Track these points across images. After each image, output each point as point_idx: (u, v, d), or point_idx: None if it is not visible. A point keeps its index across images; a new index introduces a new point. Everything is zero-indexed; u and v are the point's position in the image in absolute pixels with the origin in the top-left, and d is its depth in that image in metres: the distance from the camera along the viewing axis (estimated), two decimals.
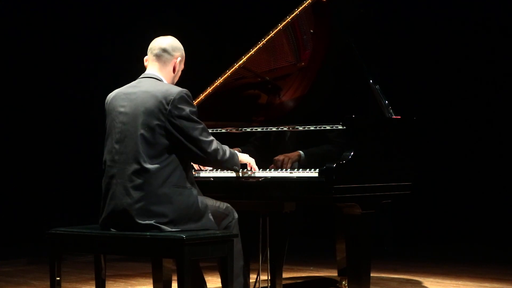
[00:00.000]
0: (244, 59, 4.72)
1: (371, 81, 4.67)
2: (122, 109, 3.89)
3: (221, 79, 4.76)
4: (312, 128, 4.46)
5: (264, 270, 4.69)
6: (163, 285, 4.64)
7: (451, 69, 8.02)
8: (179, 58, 4.05)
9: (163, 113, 3.80)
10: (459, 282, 5.88)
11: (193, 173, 4.32)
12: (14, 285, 5.97)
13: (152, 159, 3.78)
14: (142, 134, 3.80)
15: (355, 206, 4.19)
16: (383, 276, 6.10)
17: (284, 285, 4.83)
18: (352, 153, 4.12)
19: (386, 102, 4.65)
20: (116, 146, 3.86)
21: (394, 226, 8.13)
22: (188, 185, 3.87)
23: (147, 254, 4.08)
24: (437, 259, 7.17)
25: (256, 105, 5.03)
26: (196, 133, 3.84)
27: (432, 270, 6.43)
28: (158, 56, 4.01)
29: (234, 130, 4.71)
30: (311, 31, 4.83)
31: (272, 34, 4.70)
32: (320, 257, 7.18)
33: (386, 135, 4.45)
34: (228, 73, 4.75)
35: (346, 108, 4.58)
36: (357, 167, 4.14)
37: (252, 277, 4.85)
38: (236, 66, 4.74)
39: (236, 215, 4.12)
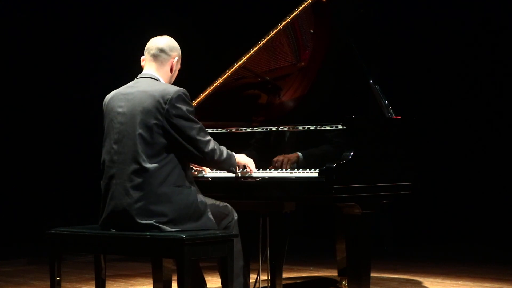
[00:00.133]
0: (244, 59, 4.72)
1: (371, 81, 4.66)
2: (120, 110, 3.89)
3: (221, 79, 4.76)
4: (312, 128, 4.45)
5: (264, 270, 4.69)
6: (163, 285, 4.64)
7: (451, 69, 8.02)
8: (176, 58, 4.05)
9: (161, 112, 3.80)
10: (459, 282, 5.88)
11: (193, 173, 4.32)
12: (14, 285, 5.97)
13: (150, 158, 3.78)
14: (140, 134, 3.80)
15: (355, 206, 4.19)
16: (383, 276, 6.10)
17: (284, 285, 4.83)
18: (352, 153, 4.12)
19: (386, 102, 4.64)
20: (115, 147, 3.86)
21: (394, 226, 8.13)
22: (187, 184, 3.87)
23: (147, 254, 4.08)
24: (437, 259, 7.17)
25: (256, 105, 5.03)
26: (193, 133, 3.84)
27: (432, 270, 6.43)
28: (155, 56, 4.01)
29: (234, 130, 4.71)
30: (311, 31, 4.83)
31: (272, 34, 4.70)
32: (320, 257, 7.18)
33: (386, 135, 4.45)
34: (228, 73, 4.75)
35: (346, 108, 4.58)
36: (357, 167, 4.14)
37: (252, 277, 4.85)
38: (236, 66, 4.74)
39: (235, 215, 4.12)
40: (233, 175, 4.20)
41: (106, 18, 8.47)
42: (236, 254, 3.89)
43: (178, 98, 3.83)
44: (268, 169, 4.37)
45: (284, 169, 4.37)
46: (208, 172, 4.41)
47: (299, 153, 4.45)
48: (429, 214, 8.17)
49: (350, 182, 4.11)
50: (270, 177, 4.26)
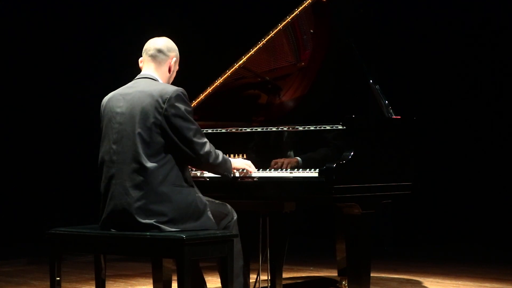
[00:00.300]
0: (244, 59, 4.72)
1: (371, 81, 4.66)
2: (118, 110, 3.89)
3: (221, 79, 4.76)
4: (312, 128, 4.45)
5: (264, 270, 4.69)
6: (163, 285, 4.64)
7: (451, 69, 8.02)
8: (174, 59, 4.05)
9: (159, 111, 3.80)
10: (459, 282, 5.89)
11: (192, 173, 4.32)
12: (14, 285, 5.97)
13: (150, 158, 3.78)
14: (139, 133, 3.80)
15: (355, 206, 4.19)
16: (383, 276, 6.10)
17: (284, 285, 4.83)
18: (352, 153, 4.12)
19: (386, 102, 4.64)
20: (114, 147, 3.86)
21: (394, 226, 8.13)
22: (187, 183, 3.87)
23: (147, 254, 4.08)
24: (437, 259, 7.17)
25: (256, 105, 5.03)
26: (190, 134, 3.83)
27: (432, 270, 6.43)
28: (153, 57, 4.02)
29: (234, 130, 4.71)
30: (311, 31, 4.83)
31: (272, 34, 4.70)
32: (320, 257, 7.18)
33: (386, 135, 4.45)
34: (228, 73, 4.75)
35: (346, 108, 4.58)
36: (357, 167, 4.14)
37: (252, 277, 4.85)
38: (236, 66, 4.74)
39: (235, 215, 4.12)
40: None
41: (106, 18, 8.46)
42: (236, 254, 3.89)
43: (177, 97, 3.83)
44: (268, 169, 4.37)
45: (284, 169, 4.37)
46: (207, 172, 4.40)
47: (298, 158, 4.44)
48: (429, 214, 8.16)
49: (350, 182, 4.11)
50: (270, 177, 4.26)
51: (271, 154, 4.49)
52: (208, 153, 3.90)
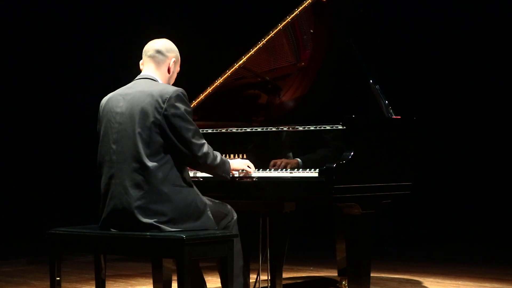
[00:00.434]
0: (244, 59, 4.72)
1: (371, 81, 4.66)
2: (118, 110, 3.89)
3: (221, 79, 4.76)
4: (312, 128, 4.45)
5: (264, 270, 4.69)
6: (163, 285, 4.64)
7: (451, 69, 8.02)
8: (173, 59, 4.05)
9: (159, 111, 3.80)
10: (459, 282, 5.88)
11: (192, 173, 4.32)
12: (14, 285, 5.98)
13: (150, 157, 3.78)
14: (139, 133, 3.80)
15: (355, 206, 4.19)
16: (383, 276, 6.10)
17: (284, 285, 4.83)
18: (352, 153, 4.12)
19: (386, 102, 4.64)
20: (114, 146, 3.86)
21: (394, 226, 8.13)
22: (186, 183, 3.87)
23: (147, 254, 4.08)
24: (437, 259, 7.17)
25: (256, 105, 5.03)
26: (188, 135, 3.83)
27: (432, 270, 6.43)
28: (152, 58, 4.02)
29: (234, 130, 4.71)
30: (311, 31, 4.83)
31: (272, 34, 4.71)
32: (320, 257, 7.18)
33: (386, 135, 4.45)
34: (228, 73, 4.75)
35: (346, 108, 4.58)
36: (357, 167, 4.14)
37: (252, 277, 4.85)
38: (236, 66, 4.74)
39: (235, 215, 4.12)
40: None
41: (106, 18, 8.46)
42: (236, 254, 3.89)
43: (177, 97, 3.83)
44: (268, 169, 4.37)
45: (284, 170, 4.36)
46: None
47: (298, 160, 4.44)
48: (429, 214, 8.17)
49: (350, 182, 4.11)
50: (269, 177, 4.25)
51: (271, 154, 4.49)
52: (206, 154, 3.90)
